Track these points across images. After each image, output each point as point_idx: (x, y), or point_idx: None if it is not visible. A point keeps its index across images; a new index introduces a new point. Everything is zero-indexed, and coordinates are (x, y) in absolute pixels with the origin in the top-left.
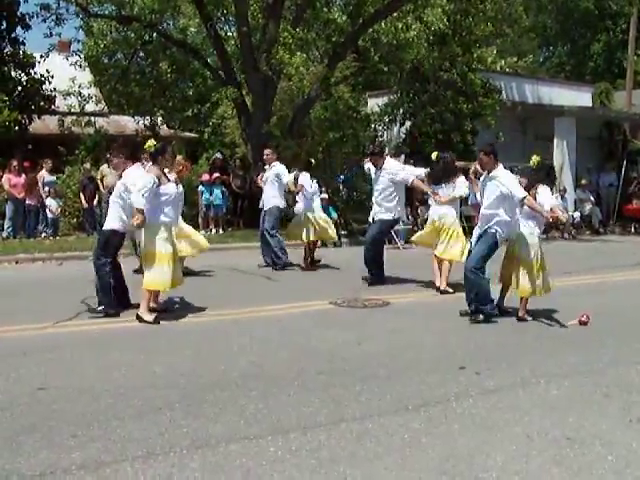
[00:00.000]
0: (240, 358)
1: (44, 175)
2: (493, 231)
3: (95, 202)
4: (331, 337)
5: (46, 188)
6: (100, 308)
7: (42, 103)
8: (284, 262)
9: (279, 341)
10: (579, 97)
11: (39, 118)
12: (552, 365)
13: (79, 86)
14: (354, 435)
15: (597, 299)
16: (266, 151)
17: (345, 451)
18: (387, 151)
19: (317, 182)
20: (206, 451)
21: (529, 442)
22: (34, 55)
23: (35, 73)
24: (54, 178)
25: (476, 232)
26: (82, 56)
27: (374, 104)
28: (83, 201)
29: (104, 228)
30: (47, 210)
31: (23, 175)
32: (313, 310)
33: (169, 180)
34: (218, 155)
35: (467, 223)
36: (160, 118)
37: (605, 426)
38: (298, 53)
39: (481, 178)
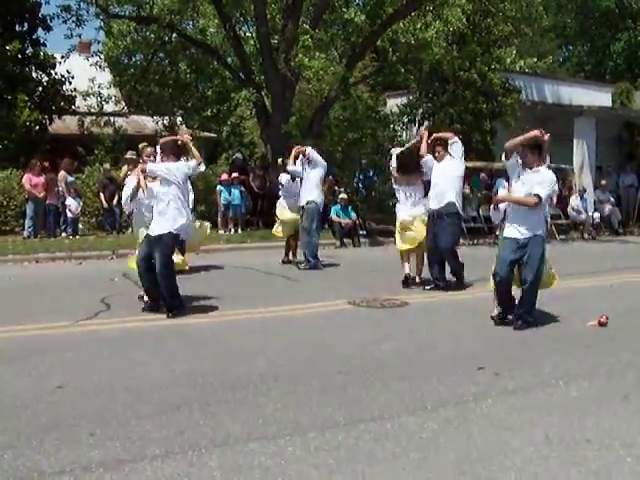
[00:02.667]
0: (258, 358)
1: (65, 175)
2: (543, 236)
3: (115, 202)
4: (349, 337)
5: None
6: (172, 313)
7: (62, 103)
8: (312, 265)
9: (297, 341)
10: (599, 97)
11: (59, 118)
12: (571, 366)
13: (99, 86)
14: (372, 435)
15: (617, 300)
16: (308, 149)
17: (363, 451)
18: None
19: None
20: (225, 450)
21: (548, 443)
22: (55, 56)
23: (56, 74)
24: (73, 178)
25: (513, 233)
26: (102, 56)
27: (393, 104)
28: (103, 201)
29: (169, 231)
30: (67, 210)
31: (43, 175)
32: (331, 310)
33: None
34: (238, 155)
35: (486, 223)
36: (179, 118)
37: (624, 428)
38: (317, 54)
39: (517, 174)
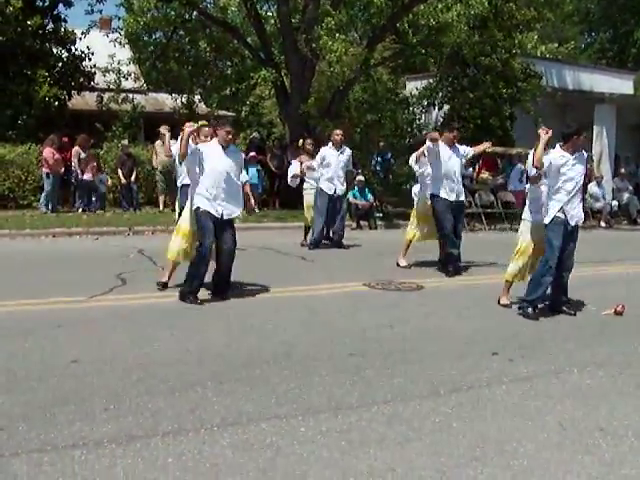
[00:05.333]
0: (272, 337)
1: (79, 151)
2: None
3: (132, 178)
4: (364, 319)
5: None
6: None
7: (81, 79)
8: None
9: (312, 321)
10: (621, 84)
11: (78, 94)
12: (586, 354)
13: (118, 63)
14: (385, 418)
15: (633, 289)
16: (338, 131)
17: (376, 434)
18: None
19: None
20: (237, 429)
21: (561, 431)
22: (75, 32)
23: (76, 50)
24: (86, 154)
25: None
26: (122, 33)
27: (413, 87)
28: (121, 177)
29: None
30: (100, 184)
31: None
32: (346, 291)
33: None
34: (256, 134)
35: (504, 209)
36: (198, 96)
37: (638, 417)
38: (338, 36)
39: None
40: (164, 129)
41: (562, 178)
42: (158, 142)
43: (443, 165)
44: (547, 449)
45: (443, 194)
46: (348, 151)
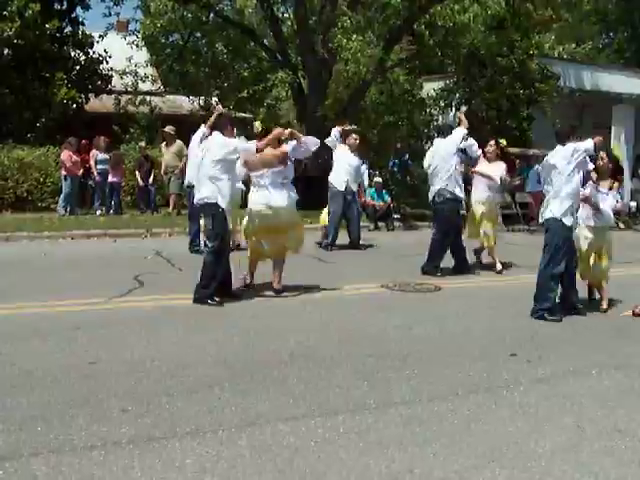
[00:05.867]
0: (290, 338)
1: (96, 153)
2: None
3: (150, 180)
4: (382, 320)
5: (99, 166)
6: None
7: (99, 82)
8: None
9: (329, 323)
10: (639, 85)
11: (96, 97)
12: (604, 356)
13: (135, 65)
14: (403, 419)
15: None
16: (354, 135)
17: (393, 435)
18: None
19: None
20: (254, 430)
21: (579, 432)
22: (92, 35)
23: (93, 52)
24: (107, 156)
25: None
26: (139, 35)
27: (430, 88)
28: (139, 179)
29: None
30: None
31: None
32: (364, 293)
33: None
34: None
35: (522, 210)
36: (215, 98)
37: None
38: (354, 36)
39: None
40: (170, 129)
41: None
42: (163, 144)
43: None
44: (565, 450)
45: None
46: (360, 161)
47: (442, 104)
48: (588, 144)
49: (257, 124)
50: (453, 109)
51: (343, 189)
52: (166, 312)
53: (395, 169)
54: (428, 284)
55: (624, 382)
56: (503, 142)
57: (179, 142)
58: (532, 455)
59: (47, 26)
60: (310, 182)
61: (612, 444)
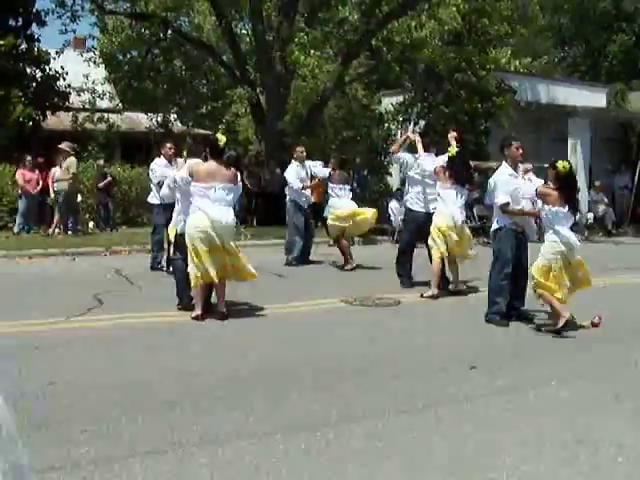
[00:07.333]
0: (250, 355)
1: (56, 171)
2: None
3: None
4: (342, 335)
5: (55, 184)
6: None
7: (56, 99)
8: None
9: (290, 339)
10: (594, 98)
11: (53, 114)
12: (564, 367)
13: (93, 82)
14: (364, 434)
15: (610, 301)
16: (299, 148)
17: (355, 450)
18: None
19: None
20: (215, 448)
21: (539, 444)
22: (49, 51)
23: (50, 69)
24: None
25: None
26: (96, 52)
27: (388, 103)
28: (98, 196)
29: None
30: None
31: (36, 171)
32: (324, 308)
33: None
34: (232, 153)
35: (479, 223)
36: (174, 115)
37: (616, 429)
38: (312, 52)
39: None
40: (66, 145)
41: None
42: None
43: None
44: (526, 462)
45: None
46: (307, 162)
47: (400, 119)
48: None
49: (220, 136)
50: (411, 123)
51: (306, 206)
52: (125, 331)
53: (355, 184)
54: (388, 298)
55: (583, 393)
56: (452, 151)
57: (72, 159)
58: (493, 467)
59: (2, 43)
60: (269, 198)
61: (572, 454)
